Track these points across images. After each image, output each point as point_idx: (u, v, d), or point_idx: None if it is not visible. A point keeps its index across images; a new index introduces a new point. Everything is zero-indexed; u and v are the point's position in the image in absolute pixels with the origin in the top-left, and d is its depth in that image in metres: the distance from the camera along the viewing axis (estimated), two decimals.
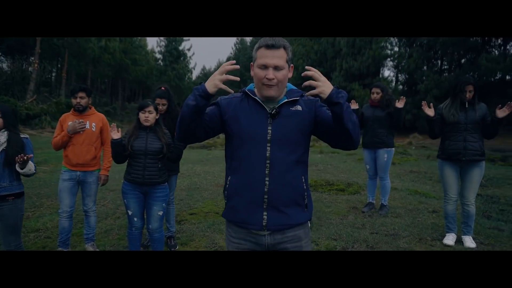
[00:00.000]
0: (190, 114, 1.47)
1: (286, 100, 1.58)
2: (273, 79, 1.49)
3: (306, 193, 1.61)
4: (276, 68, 1.50)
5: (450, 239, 3.75)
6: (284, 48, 1.51)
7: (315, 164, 9.65)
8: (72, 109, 3.46)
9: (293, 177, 1.56)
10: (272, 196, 1.53)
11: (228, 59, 56.52)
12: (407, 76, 28.68)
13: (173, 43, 43.18)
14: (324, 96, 1.43)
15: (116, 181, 6.41)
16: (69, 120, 3.37)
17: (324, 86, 1.44)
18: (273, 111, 1.56)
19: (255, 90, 1.62)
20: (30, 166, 2.63)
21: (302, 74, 1.45)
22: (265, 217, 1.54)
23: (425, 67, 27.56)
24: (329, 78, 30.80)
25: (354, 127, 1.48)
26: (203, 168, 9.19)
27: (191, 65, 47.57)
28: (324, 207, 5.20)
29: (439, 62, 28.38)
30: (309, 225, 1.68)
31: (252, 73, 1.57)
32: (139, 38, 40.43)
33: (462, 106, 3.67)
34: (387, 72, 43.44)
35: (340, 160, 10.92)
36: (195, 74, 62.89)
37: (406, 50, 28.64)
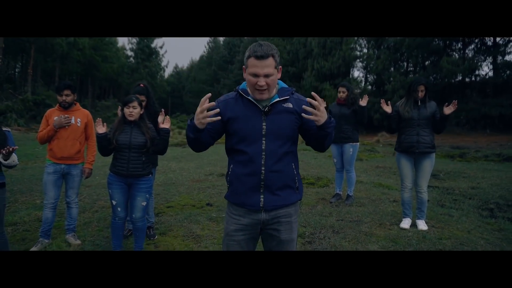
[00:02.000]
0: (194, 141, 1.75)
1: (278, 99, 1.78)
2: (264, 85, 1.69)
3: (296, 178, 1.86)
4: (266, 75, 1.68)
5: (406, 223, 4.18)
6: (272, 56, 1.67)
7: None
8: (57, 105, 3.59)
9: (284, 166, 1.79)
10: (268, 182, 1.76)
11: (201, 58, 56.39)
12: (375, 77, 29.79)
13: (145, 40, 42.55)
14: (318, 124, 1.67)
15: (91, 177, 6.45)
16: (54, 115, 3.51)
17: (321, 116, 1.65)
18: (266, 109, 1.76)
19: (248, 90, 1.81)
20: (14, 157, 2.74)
21: (307, 100, 1.67)
22: (262, 199, 1.78)
23: (392, 69, 28.74)
24: (301, 78, 31.42)
25: (329, 142, 1.79)
26: (178, 164, 9.33)
27: (163, 63, 47.07)
28: None
29: (405, 64, 29.67)
30: (300, 203, 1.97)
31: (244, 75, 1.78)
32: None
33: (415, 104, 4.11)
34: (357, 73, 44.03)
35: (311, 157, 11.37)
36: (167, 72, 62.05)
37: (375, 51, 29.73)
